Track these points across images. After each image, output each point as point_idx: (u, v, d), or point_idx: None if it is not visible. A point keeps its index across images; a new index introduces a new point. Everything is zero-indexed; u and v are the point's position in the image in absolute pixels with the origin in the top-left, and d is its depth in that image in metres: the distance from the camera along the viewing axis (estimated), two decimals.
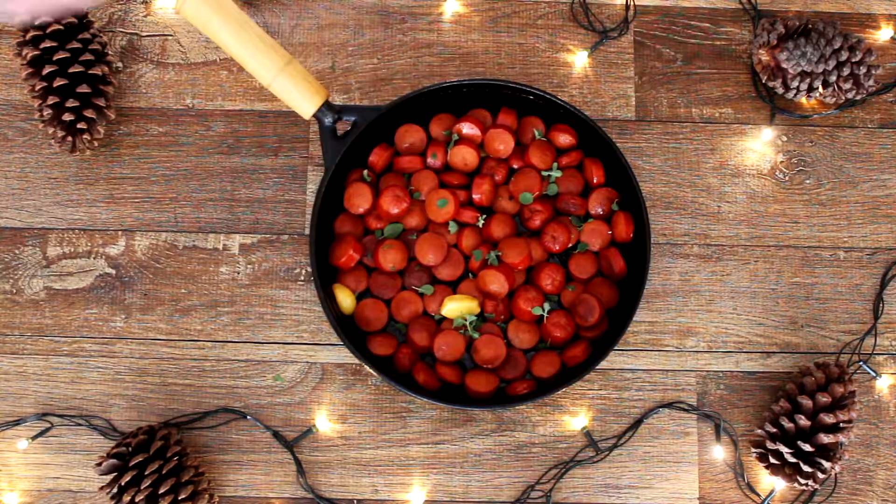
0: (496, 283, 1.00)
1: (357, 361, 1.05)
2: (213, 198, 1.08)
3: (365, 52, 1.11)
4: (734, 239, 1.09)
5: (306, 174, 1.08)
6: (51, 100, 1.01)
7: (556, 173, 1.05)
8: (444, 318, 1.03)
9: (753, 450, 1.02)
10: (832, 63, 1.05)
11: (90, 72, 1.02)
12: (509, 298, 1.03)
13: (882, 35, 1.13)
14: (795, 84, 1.07)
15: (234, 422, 1.04)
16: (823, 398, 0.99)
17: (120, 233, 1.07)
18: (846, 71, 1.06)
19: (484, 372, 1.01)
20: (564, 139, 1.05)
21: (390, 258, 1.02)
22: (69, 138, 1.03)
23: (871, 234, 1.09)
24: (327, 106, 0.97)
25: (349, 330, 1.00)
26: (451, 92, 1.02)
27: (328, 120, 0.98)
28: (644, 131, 1.10)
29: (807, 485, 0.99)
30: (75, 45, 1.01)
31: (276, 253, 1.07)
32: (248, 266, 1.07)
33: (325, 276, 1.01)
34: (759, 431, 1.02)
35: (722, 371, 1.06)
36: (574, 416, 1.05)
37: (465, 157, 1.04)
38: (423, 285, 1.03)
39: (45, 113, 1.02)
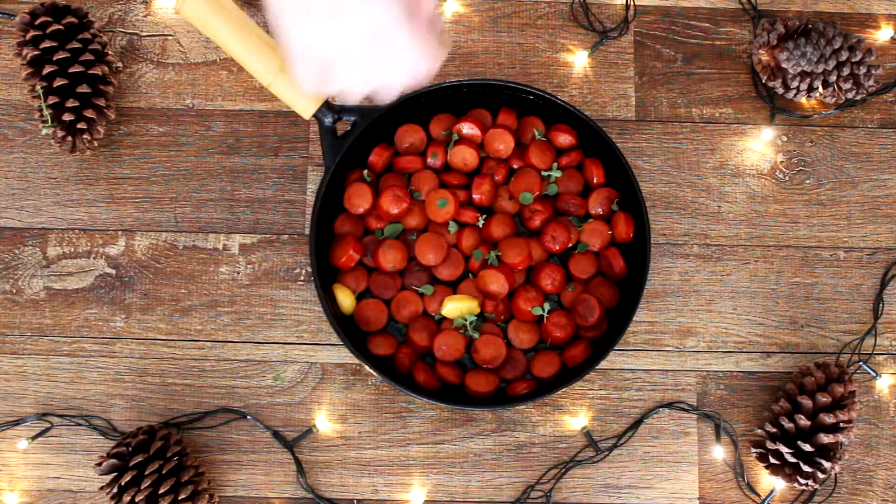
0: (496, 283, 1.00)
1: (357, 361, 1.05)
2: (213, 198, 1.08)
3: None
4: (734, 239, 1.09)
5: (306, 174, 1.09)
6: (51, 100, 1.01)
7: (556, 173, 1.05)
8: (444, 318, 1.03)
9: (753, 450, 1.02)
10: (832, 63, 1.05)
11: (90, 72, 1.02)
12: (509, 298, 1.03)
13: (882, 35, 1.13)
14: (795, 84, 1.07)
15: (234, 422, 1.04)
16: (823, 398, 0.99)
17: (120, 233, 1.07)
18: (846, 71, 1.06)
19: (484, 372, 1.01)
20: (564, 139, 1.05)
21: (390, 258, 1.02)
22: (69, 138, 1.03)
23: (871, 234, 1.09)
24: (327, 106, 0.97)
25: (349, 330, 1.00)
26: (451, 92, 1.02)
27: (328, 120, 0.98)
28: (644, 131, 1.10)
29: (807, 485, 0.99)
30: (75, 45, 1.01)
31: (276, 253, 1.07)
32: (248, 266, 1.07)
33: (325, 276, 1.01)
34: (759, 431, 1.02)
35: (722, 371, 1.06)
36: (574, 416, 1.05)
37: (465, 157, 1.04)
38: (423, 285, 1.03)
39: (44, 113, 1.02)
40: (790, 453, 0.98)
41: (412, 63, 0.75)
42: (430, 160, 1.05)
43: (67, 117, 1.01)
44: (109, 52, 1.06)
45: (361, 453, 1.04)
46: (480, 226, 1.04)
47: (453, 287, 1.03)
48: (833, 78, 1.06)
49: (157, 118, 1.09)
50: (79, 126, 1.02)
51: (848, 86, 1.07)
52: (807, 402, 0.99)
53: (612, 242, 1.04)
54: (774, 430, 1.00)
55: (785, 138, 1.11)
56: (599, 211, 1.04)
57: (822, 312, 1.08)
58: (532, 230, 1.04)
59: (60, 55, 1.00)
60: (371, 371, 1.01)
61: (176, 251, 1.07)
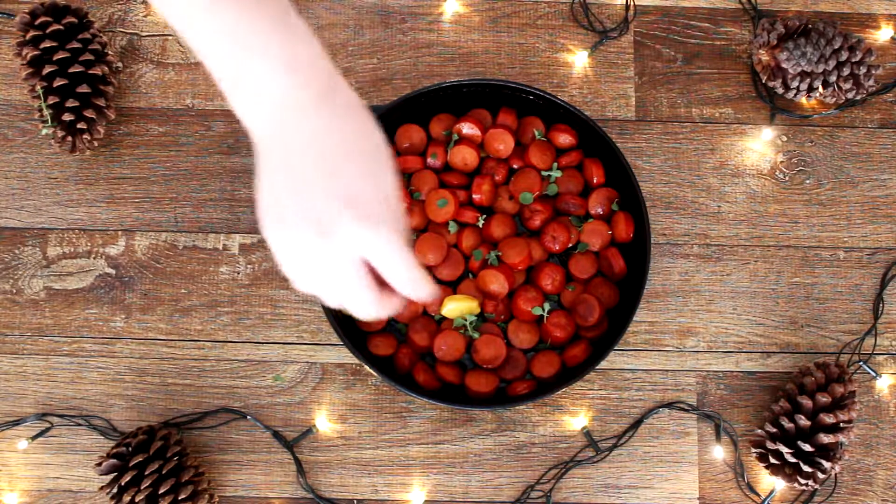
0: (496, 283, 1.00)
1: (357, 361, 1.05)
2: (213, 198, 1.08)
3: (365, 52, 1.11)
4: (734, 239, 1.09)
5: None
6: (51, 100, 1.01)
7: (556, 173, 1.05)
8: (444, 318, 1.03)
9: (753, 450, 1.02)
10: (832, 63, 1.05)
11: (90, 72, 1.02)
12: (509, 298, 1.03)
13: (882, 35, 1.13)
14: (795, 84, 1.07)
15: (234, 422, 1.04)
16: (823, 398, 0.99)
17: (120, 233, 1.07)
18: (846, 71, 1.06)
19: (484, 372, 1.01)
20: (564, 139, 1.05)
21: None
22: (69, 138, 1.03)
23: (871, 234, 1.09)
24: None
25: (349, 330, 0.99)
26: (451, 92, 1.02)
27: None
28: (644, 131, 1.10)
29: (807, 485, 0.99)
30: (75, 45, 1.01)
31: None
32: (248, 266, 1.07)
33: None
34: (759, 431, 1.02)
35: (722, 371, 1.06)
36: (574, 416, 1.05)
37: (465, 157, 1.04)
38: None
39: (44, 113, 1.02)
40: (790, 453, 0.98)
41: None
42: (430, 160, 1.05)
43: (67, 117, 1.01)
44: (109, 52, 1.06)
45: (361, 453, 1.04)
46: (480, 226, 1.04)
47: (453, 287, 1.03)
48: (833, 78, 1.06)
49: (157, 118, 1.09)
50: (79, 126, 1.02)
51: (848, 86, 1.07)
52: (807, 402, 0.99)
53: (612, 242, 1.04)
54: (774, 430, 1.00)
55: (785, 138, 1.11)
56: (599, 211, 1.04)
57: (822, 312, 1.08)
58: (532, 230, 1.04)
59: (60, 55, 1.00)
60: (371, 371, 1.01)
61: (176, 251, 1.07)
